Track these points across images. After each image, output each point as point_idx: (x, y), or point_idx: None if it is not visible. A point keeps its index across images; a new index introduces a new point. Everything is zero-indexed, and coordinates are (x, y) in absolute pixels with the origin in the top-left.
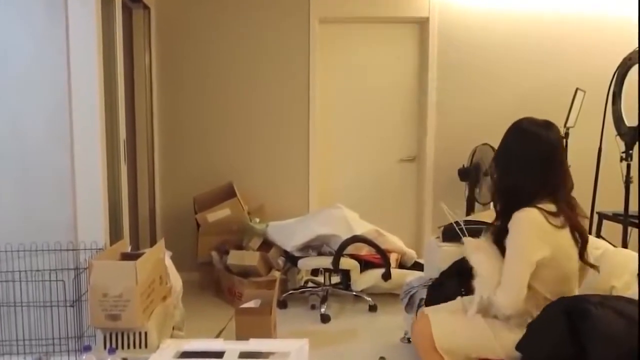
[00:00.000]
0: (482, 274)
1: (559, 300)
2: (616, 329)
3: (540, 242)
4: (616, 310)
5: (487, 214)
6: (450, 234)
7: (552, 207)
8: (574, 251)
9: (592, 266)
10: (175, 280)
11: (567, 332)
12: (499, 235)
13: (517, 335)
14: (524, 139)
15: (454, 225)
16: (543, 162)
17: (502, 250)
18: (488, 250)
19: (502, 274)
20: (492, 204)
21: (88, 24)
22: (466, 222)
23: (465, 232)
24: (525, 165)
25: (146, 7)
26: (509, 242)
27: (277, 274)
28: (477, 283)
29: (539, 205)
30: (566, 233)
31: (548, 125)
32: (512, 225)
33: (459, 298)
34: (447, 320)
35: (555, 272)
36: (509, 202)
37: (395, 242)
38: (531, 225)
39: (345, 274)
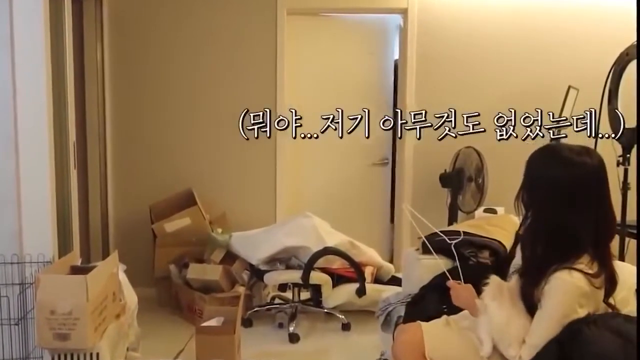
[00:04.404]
0: (497, 322)
1: None
2: (611, 349)
3: (580, 310)
4: (612, 329)
5: (470, 224)
6: (432, 246)
7: (594, 265)
8: (601, 301)
9: (613, 308)
10: (130, 296)
11: (560, 355)
12: (528, 287)
13: None
14: (571, 168)
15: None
16: (594, 198)
17: (526, 303)
18: (508, 301)
19: (534, 335)
20: (519, 249)
21: (34, 14)
22: (449, 233)
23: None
24: (577, 202)
25: None
26: (548, 306)
27: (241, 290)
28: (484, 324)
29: (583, 267)
30: (602, 291)
31: (588, 151)
32: (554, 289)
33: (444, 317)
34: (440, 331)
35: None
36: (556, 248)
37: (370, 254)
38: (575, 293)
39: (316, 290)
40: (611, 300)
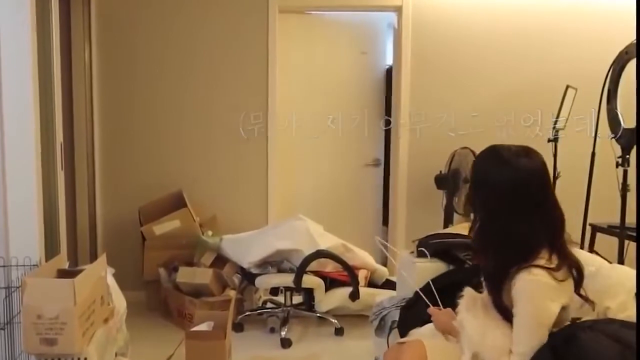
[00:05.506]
0: (473, 334)
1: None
2: (610, 355)
3: (552, 304)
4: (609, 334)
5: (466, 226)
6: (427, 248)
7: (554, 259)
8: (572, 293)
9: (588, 300)
10: (119, 300)
11: None
12: (494, 295)
13: None
14: (508, 171)
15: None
16: (536, 198)
17: (501, 311)
18: (481, 312)
19: (518, 343)
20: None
21: (20, 13)
22: (445, 235)
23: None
24: (517, 204)
25: None
26: (520, 310)
27: (232, 294)
28: (464, 340)
29: (542, 263)
30: (569, 281)
31: (527, 152)
32: (520, 292)
33: None
34: (442, 346)
35: (558, 317)
36: (507, 251)
37: (364, 257)
38: (542, 289)
39: (309, 293)
40: (582, 292)
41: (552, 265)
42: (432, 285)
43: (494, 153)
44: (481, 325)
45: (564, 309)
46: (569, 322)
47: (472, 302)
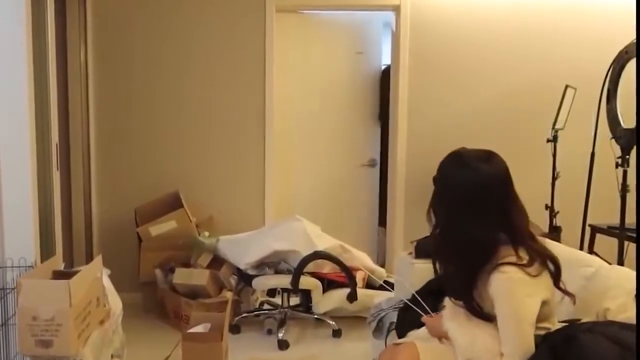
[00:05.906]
0: (462, 342)
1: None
2: (610, 357)
3: (530, 299)
4: (608, 336)
5: None
6: (425, 249)
7: (523, 255)
8: (552, 287)
9: (568, 294)
10: (114, 301)
11: None
12: (467, 302)
13: None
14: (467, 175)
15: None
16: (499, 203)
17: (479, 315)
18: (464, 319)
19: (505, 343)
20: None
21: (15, 12)
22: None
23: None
24: (479, 211)
25: None
26: (501, 310)
27: (228, 295)
28: (456, 349)
29: (513, 260)
30: (545, 275)
31: (489, 156)
32: (496, 292)
33: None
34: (437, 350)
35: (541, 313)
36: (466, 257)
37: (362, 258)
38: (516, 285)
39: (306, 295)
40: (561, 285)
41: (524, 262)
42: (417, 297)
43: (456, 157)
44: (468, 332)
45: (545, 303)
46: (560, 320)
47: (453, 311)
